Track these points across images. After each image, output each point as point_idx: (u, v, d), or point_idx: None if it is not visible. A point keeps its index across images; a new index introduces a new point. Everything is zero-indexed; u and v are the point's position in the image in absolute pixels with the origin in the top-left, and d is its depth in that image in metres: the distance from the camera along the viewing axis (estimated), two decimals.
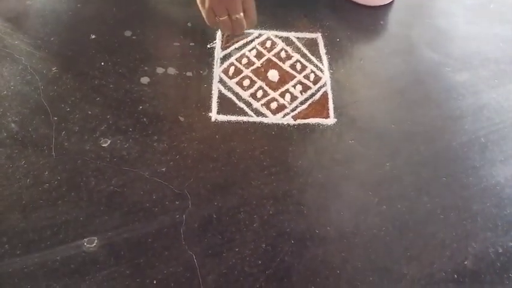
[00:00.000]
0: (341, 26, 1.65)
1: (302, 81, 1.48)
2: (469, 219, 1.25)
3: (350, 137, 1.37)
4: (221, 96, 1.42)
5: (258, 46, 1.56)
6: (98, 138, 1.29)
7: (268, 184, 1.25)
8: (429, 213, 1.24)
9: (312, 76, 1.50)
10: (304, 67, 1.52)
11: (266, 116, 1.39)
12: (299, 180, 1.27)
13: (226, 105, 1.40)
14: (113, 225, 1.14)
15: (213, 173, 1.26)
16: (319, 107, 1.42)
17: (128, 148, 1.28)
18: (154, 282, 1.07)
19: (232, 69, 1.49)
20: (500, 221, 1.26)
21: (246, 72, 1.49)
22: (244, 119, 1.38)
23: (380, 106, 1.46)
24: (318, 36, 1.61)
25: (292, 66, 1.52)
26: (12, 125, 1.30)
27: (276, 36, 1.60)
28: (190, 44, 1.54)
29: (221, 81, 1.46)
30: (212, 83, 1.45)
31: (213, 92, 1.43)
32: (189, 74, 1.47)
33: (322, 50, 1.57)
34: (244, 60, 1.52)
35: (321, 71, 1.52)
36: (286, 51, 1.55)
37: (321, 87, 1.48)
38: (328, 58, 1.56)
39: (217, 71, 1.48)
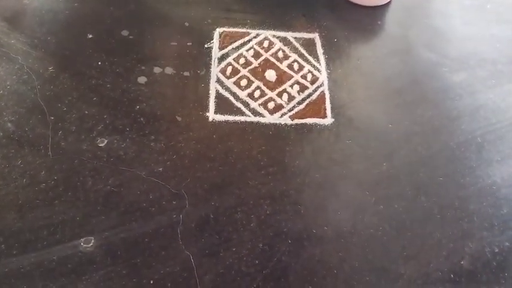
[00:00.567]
0: (339, 26, 1.65)
1: (299, 81, 1.48)
2: (465, 218, 1.25)
3: (347, 136, 1.37)
4: (218, 96, 1.42)
5: (255, 46, 1.56)
6: (94, 138, 1.29)
7: (266, 184, 1.25)
8: (426, 213, 1.24)
9: (309, 76, 1.50)
10: (301, 67, 1.52)
11: (263, 116, 1.39)
12: (296, 180, 1.27)
13: (223, 105, 1.40)
14: (110, 225, 1.14)
15: (210, 173, 1.26)
16: (316, 107, 1.42)
17: (124, 148, 1.27)
18: (151, 282, 1.07)
19: (229, 69, 1.49)
20: (497, 220, 1.26)
21: (244, 72, 1.49)
22: (242, 118, 1.38)
23: (377, 106, 1.46)
24: (316, 36, 1.61)
25: (290, 66, 1.52)
26: (9, 124, 1.29)
27: (274, 36, 1.60)
28: (188, 43, 1.54)
29: (218, 81, 1.46)
30: (209, 82, 1.45)
31: (210, 91, 1.43)
32: (186, 73, 1.46)
33: (320, 50, 1.57)
34: (242, 60, 1.52)
35: (319, 71, 1.52)
36: (283, 51, 1.55)
37: (318, 87, 1.48)
38: (326, 58, 1.56)
39: (215, 70, 1.48)
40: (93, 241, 1.11)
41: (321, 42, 1.60)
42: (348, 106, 1.44)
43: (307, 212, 1.22)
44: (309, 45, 1.59)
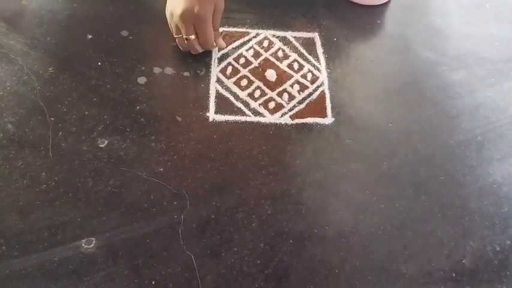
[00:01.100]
0: (338, 25, 1.66)
1: (299, 80, 1.49)
2: (466, 217, 1.26)
3: (347, 136, 1.37)
4: (219, 96, 1.42)
5: (255, 46, 1.56)
6: (95, 139, 1.28)
7: (266, 184, 1.25)
8: (427, 211, 1.25)
9: (309, 75, 1.50)
10: (301, 66, 1.52)
11: (264, 116, 1.39)
12: (297, 180, 1.27)
13: (223, 105, 1.40)
14: (111, 226, 1.14)
15: (211, 173, 1.26)
16: (316, 107, 1.42)
17: (125, 148, 1.27)
18: (153, 282, 1.07)
19: (229, 69, 1.49)
20: (498, 219, 1.26)
21: (244, 72, 1.49)
22: (242, 118, 1.38)
23: (377, 105, 1.46)
24: (315, 35, 1.61)
25: (290, 66, 1.52)
26: (9, 125, 1.29)
27: (273, 35, 1.60)
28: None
29: (218, 81, 1.46)
30: (210, 82, 1.45)
31: (210, 91, 1.43)
32: (186, 73, 1.46)
33: (320, 50, 1.58)
34: (242, 60, 1.52)
35: (319, 70, 1.52)
36: (283, 50, 1.56)
37: (318, 86, 1.48)
38: (326, 57, 1.56)
39: (215, 70, 1.48)
40: (94, 242, 1.11)
41: (321, 41, 1.60)
42: (348, 105, 1.44)
43: (308, 212, 1.22)
44: (309, 44, 1.59)
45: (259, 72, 1.49)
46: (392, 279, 1.13)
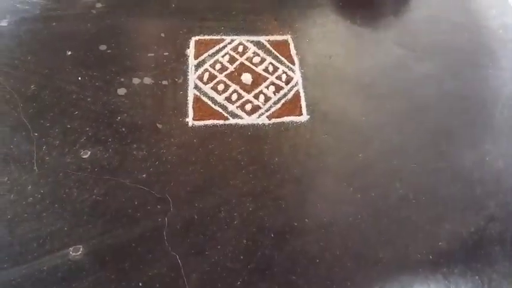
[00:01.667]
0: (310, 27, 1.71)
1: (275, 82, 1.54)
2: (440, 201, 1.31)
3: (323, 131, 1.42)
4: (197, 101, 1.47)
5: (230, 51, 1.61)
6: (78, 151, 1.32)
7: (247, 182, 1.30)
8: (401, 198, 1.30)
9: (283, 77, 1.55)
10: (276, 68, 1.58)
11: (242, 118, 1.44)
12: (276, 177, 1.32)
13: (202, 110, 1.45)
14: (97, 233, 1.17)
15: (193, 176, 1.30)
16: (292, 106, 1.48)
17: (108, 158, 1.31)
18: (140, 284, 1.10)
19: (206, 75, 1.54)
20: (471, 202, 1.31)
21: (220, 77, 1.54)
22: (221, 122, 1.43)
23: (350, 100, 1.51)
24: (288, 38, 1.67)
25: (265, 69, 1.57)
26: None
27: (248, 40, 1.65)
28: (165, 53, 1.59)
29: (196, 87, 1.51)
30: (188, 89, 1.50)
31: (188, 98, 1.48)
32: (164, 82, 1.51)
33: (293, 51, 1.63)
34: (218, 66, 1.57)
35: (292, 71, 1.57)
36: (258, 54, 1.61)
37: (293, 86, 1.53)
38: (299, 58, 1.61)
39: (192, 77, 1.53)
40: (81, 249, 1.15)
41: (294, 43, 1.65)
42: (322, 102, 1.50)
43: (288, 207, 1.26)
44: (282, 47, 1.64)
45: (235, 77, 1.54)
46: (371, 265, 1.17)
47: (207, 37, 1.65)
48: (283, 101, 1.49)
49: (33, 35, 1.60)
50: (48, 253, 1.14)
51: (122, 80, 1.51)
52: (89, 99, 1.45)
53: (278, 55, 1.61)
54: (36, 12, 1.66)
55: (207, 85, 1.51)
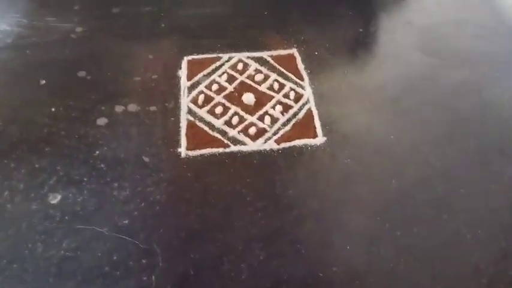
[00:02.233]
0: (318, 38, 1.50)
1: (282, 100, 1.31)
2: (502, 234, 1.03)
3: (344, 155, 1.17)
4: (191, 128, 1.24)
5: (228, 70, 1.40)
6: (46, 195, 1.08)
7: (255, 223, 1.03)
8: (453, 233, 1.02)
9: (292, 94, 1.32)
10: (282, 86, 1.35)
11: (245, 144, 1.20)
12: (292, 214, 1.05)
13: (197, 138, 1.22)
14: None
15: (187, 218, 1.04)
16: (304, 127, 1.24)
17: (82, 202, 1.07)
18: None
19: (201, 98, 1.31)
20: None
21: (218, 98, 1.32)
22: (220, 150, 1.19)
23: (374, 117, 1.27)
24: (294, 51, 1.46)
25: (269, 86, 1.35)
26: None
27: (248, 57, 1.44)
28: (153, 76, 1.38)
29: (190, 111, 1.28)
30: (180, 115, 1.28)
31: (181, 124, 1.25)
32: (152, 108, 1.29)
33: (301, 66, 1.41)
34: (215, 87, 1.35)
35: (302, 87, 1.35)
36: (260, 71, 1.39)
37: (304, 104, 1.30)
38: (308, 73, 1.39)
39: (185, 101, 1.31)
40: None
41: (301, 57, 1.44)
42: (339, 121, 1.25)
43: (309, 252, 0.99)
44: (288, 61, 1.43)
45: (235, 97, 1.32)
46: None
47: (201, 56, 1.44)
48: (293, 121, 1.26)
49: (3, 65, 1.40)
50: None
51: (103, 108, 1.29)
52: (62, 133, 1.22)
53: (284, 71, 1.40)
54: (8, 41, 1.47)
55: (203, 108, 1.29)
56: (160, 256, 0.97)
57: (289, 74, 1.39)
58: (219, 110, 1.28)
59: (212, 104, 1.30)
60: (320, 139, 1.21)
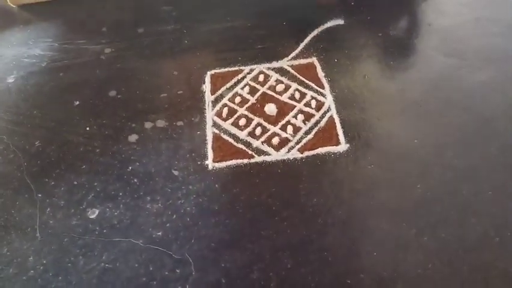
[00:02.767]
0: (336, 45, 1.52)
1: (303, 109, 1.34)
2: None
3: (368, 161, 1.19)
4: (217, 140, 1.28)
5: (250, 82, 1.44)
6: (85, 210, 1.15)
7: (282, 232, 1.07)
8: (481, 237, 1.02)
9: (313, 103, 1.35)
10: (303, 95, 1.38)
11: (269, 154, 1.23)
12: (317, 222, 1.08)
13: (223, 150, 1.26)
14: None
15: (216, 229, 1.09)
16: (327, 134, 1.26)
17: (118, 215, 1.13)
18: None
19: (225, 111, 1.36)
20: None
21: (241, 110, 1.36)
22: (245, 161, 1.23)
23: (396, 122, 1.28)
24: (314, 60, 1.48)
25: (291, 96, 1.38)
26: None
27: (269, 68, 1.48)
28: (178, 92, 1.43)
29: (215, 124, 1.33)
30: (206, 128, 1.32)
31: (207, 138, 1.29)
32: (179, 123, 1.34)
33: (321, 74, 1.44)
34: (238, 99, 1.39)
35: (323, 95, 1.37)
36: (281, 81, 1.42)
37: (325, 112, 1.32)
38: (328, 81, 1.41)
39: (210, 115, 1.36)
40: None
41: (321, 65, 1.46)
42: (362, 128, 1.27)
43: (336, 259, 1.01)
44: (308, 70, 1.45)
45: (258, 109, 1.36)
46: None
47: (223, 70, 1.49)
48: (315, 130, 1.28)
49: (39, 88, 1.50)
50: None
51: (133, 125, 1.35)
52: (97, 151, 1.29)
53: (304, 80, 1.42)
54: (43, 65, 1.57)
55: (227, 121, 1.33)
56: (193, 266, 1.02)
57: (310, 83, 1.41)
58: (242, 122, 1.32)
59: (236, 116, 1.35)
60: (343, 146, 1.22)
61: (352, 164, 1.18)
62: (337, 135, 1.25)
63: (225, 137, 1.29)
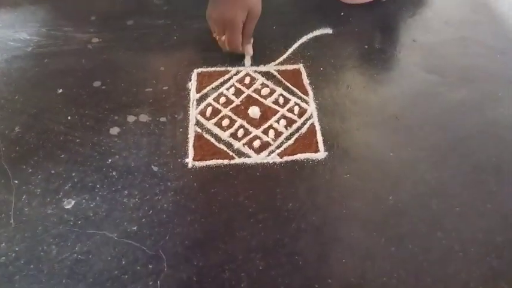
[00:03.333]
0: (323, 54, 1.55)
1: (286, 115, 1.36)
2: (493, 253, 1.07)
3: (345, 170, 1.22)
4: (198, 139, 1.30)
5: (236, 83, 1.45)
6: (61, 200, 1.15)
7: (256, 234, 1.09)
8: (446, 251, 1.06)
9: (296, 109, 1.37)
10: (287, 100, 1.40)
11: (249, 156, 1.25)
12: (291, 226, 1.11)
13: (204, 149, 1.27)
14: None
15: (192, 227, 1.10)
16: (307, 141, 1.29)
17: (94, 207, 1.13)
18: None
19: (209, 110, 1.37)
20: None
21: (225, 111, 1.37)
22: (225, 161, 1.24)
23: (374, 134, 1.32)
24: (300, 66, 1.51)
25: (275, 101, 1.40)
26: None
27: (255, 71, 1.50)
28: (164, 88, 1.44)
29: (198, 123, 1.34)
30: (188, 126, 1.34)
31: (189, 136, 1.31)
32: (162, 119, 1.35)
33: (306, 81, 1.46)
34: (222, 100, 1.41)
35: (306, 102, 1.40)
36: (267, 85, 1.45)
37: (307, 119, 1.35)
38: (313, 88, 1.44)
39: (194, 113, 1.37)
40: None
41: (306, 72, 1.49)
42: (341, 137, 1.30)
43: (306, 264, 1.04)
44: (294, 76, 1.48)
45: (241, 111, 1.37)
46: None
47: (210, 69, 1.50)
48: (296, 135, 1.31)
49: (23, 73, 1.48)
50: None
51: (116, 118, 1.35)
52: (77, 141, 1.29)
53: (289, 85, 1.45)
54: (28, 50, 1.55)
55: (210, 121, 1.34)
56: (166, 262, 1.03)
57: (295, 89, 1.44)
58: (225, 122, 1.34)
59: (219, 116, 1.36)
60: (321, 154, 1.25)
61: (329, 172, 1.21)
62: (317, 142, 1.28)
63: (207, 136, 1.31)
